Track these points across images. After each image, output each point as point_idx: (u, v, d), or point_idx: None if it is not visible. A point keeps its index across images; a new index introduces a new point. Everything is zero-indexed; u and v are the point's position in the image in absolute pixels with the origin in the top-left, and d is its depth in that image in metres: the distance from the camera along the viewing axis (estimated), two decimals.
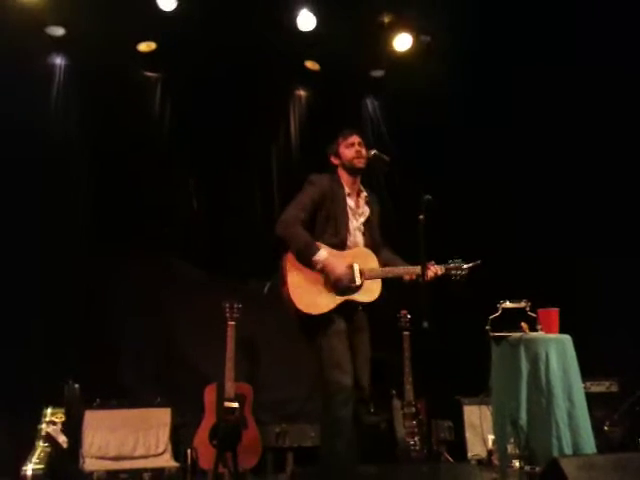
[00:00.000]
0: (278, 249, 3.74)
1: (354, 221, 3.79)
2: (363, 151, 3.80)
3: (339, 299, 3.60)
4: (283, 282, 3.62)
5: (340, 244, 3.71)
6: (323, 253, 3.58)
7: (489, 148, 5.71)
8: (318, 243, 3.65)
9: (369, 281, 3.66)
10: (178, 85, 5.95)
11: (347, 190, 3.81)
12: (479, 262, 3.78)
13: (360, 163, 3.79)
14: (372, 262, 3.72)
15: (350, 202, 3.81)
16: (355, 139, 3.82)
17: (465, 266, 3.75)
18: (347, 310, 3.67)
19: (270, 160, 6.17)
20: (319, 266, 3.56)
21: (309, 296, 3.57)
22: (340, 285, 3.59)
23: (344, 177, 3.84)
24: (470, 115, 5.85)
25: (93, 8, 5.26)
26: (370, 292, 3.67)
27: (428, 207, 3.47)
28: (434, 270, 3.68)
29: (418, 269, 3.62)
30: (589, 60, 5.15)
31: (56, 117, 5.56)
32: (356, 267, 3.65)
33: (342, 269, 3.60)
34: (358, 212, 3.82)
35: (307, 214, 3.70)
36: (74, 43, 5.58)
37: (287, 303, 3.61)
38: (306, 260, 3.58)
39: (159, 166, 5.77)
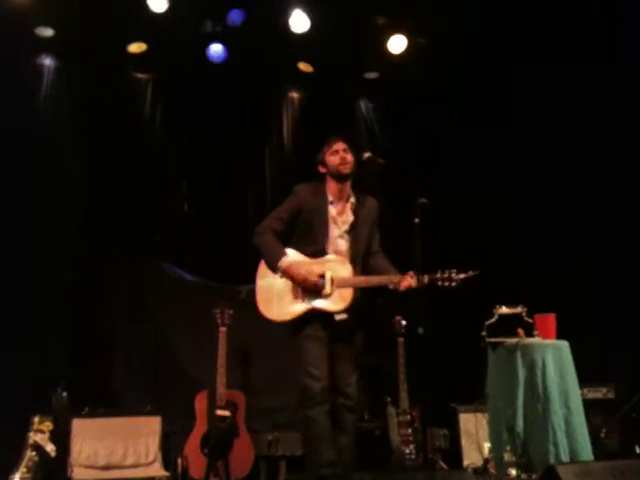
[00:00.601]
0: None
1: (335, 229, 3.79)
2: (348, 157, 3.78)
3: (304, 308, 3.63)
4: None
5: (319, 252, 3.72)
6: (287, 259, 3.63)
7: (485, 151, 5.68)
8: (288, 250, 3.69)
9: (341, 289, 3.64)
10: (169, 86, 5.91)
11: (331, 198, 3.81)
12: (471, 274, 3.67)
13: (346, 169, 3.77)
14: (345, 271, 3.68)
15: (332, 210, 3.80)
16: (339, 146, 3.80)
17: (455, 276, 3.65)
18: (323, 319, 3.67)
19: (263, 162, 6.14)
20: (281, 271, 3.61)
21: (274, 302, 3.65)
22: (307, 287, 3.60)
23: (331, 185, 3.83)
24: (465, 117, 5.83)
25: (83, 9, 5.21)
26: (341, 301, 3.64)
27: (423, 211, 3.44)
28: (409, 282, 3.60)
29: (395, 278, 3.63)
30: (587, 60, 5.12)
31: (46, 118, 5.49)
32: (327, 275, 3.64)
33: (305, 270, 3.62)
34: (341, 220, 3.81)
35: (283, 224, 3.75)
36: (64, 44, 5.54)
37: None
38: (272, 267, 3.65)
39: (150, 168, 5.73)
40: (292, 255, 3.69)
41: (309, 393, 3.56)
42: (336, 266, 3.68)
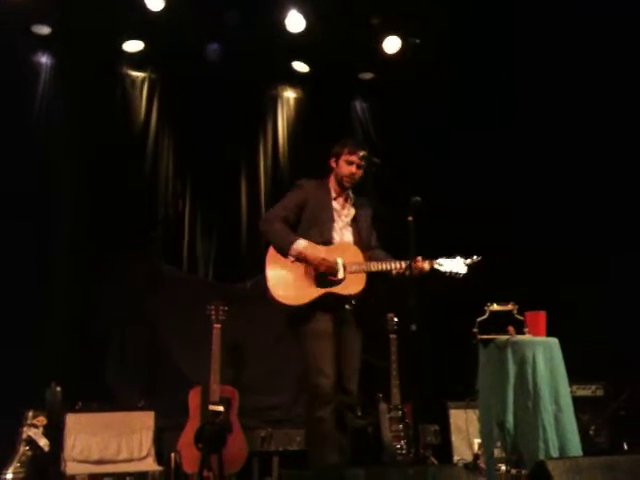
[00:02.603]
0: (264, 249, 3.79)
1: (339, 221, 3.86)
2: (358, 173, 3.84)
3: (320, 291, 3.63)
4: (264, 277, 3.67)
5: (326, 244, 3.76)
6: (302, 242, 3.65)
7: (480, 150, 5.71)
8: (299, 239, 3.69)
9: (353, 275, 3.68)
10: (165, 85, 5.93)
11: (333, 194, 3.89)
12: (478, 258, 3.76)
13: (348, 183, 3.87)
14: (356, 257, 3.74)
15: (336, 205, 3.88)
16: (356, 158, 3.82)
17: (463, 261, 3.74)
18: (333, 308, 3.69)
19: (258, 161, 6.16)
20: (297, 255, 3.61)
21: (288, 288, 3.62)
22: (322, 268, 3.61)
23: (333, 183, 3.92)
24: (461, 117, 5.86)
25: (80, 6, 5.23)
26: (354, 285, 3.68)
27: (417, 209, 3.48)
28: (421, 265, 3.66)
29: (404, 263, 3.65)
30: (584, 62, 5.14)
31: (42, 116, 5.50)
32: (339, 261, 3.68)
33: (322, 254, 3.64)
34: (343, 213, 3.88)
35: (291, 214, 3.78)
36: (60, 42, 5.55)
37: (270, 298, 3.64)
38: (284, 251, 3.64)
39: (146, 166, 5.75)
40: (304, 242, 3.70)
41: (320, 391, 3.52)
42: (347, 253, 3.73)
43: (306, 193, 3.84)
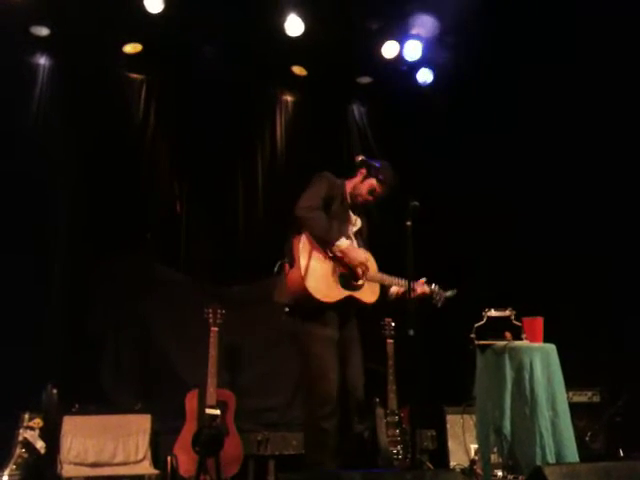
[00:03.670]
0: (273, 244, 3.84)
1: (349, 229, 3.86)
2: (370, 203, 3.88)
3: (345, 293, 3.63)
4: (293, 263, 3.60)
5: None
6: (345, 241, 3.63)
7: (478, 152, 5.71)
8: None
9: (369, 284, 3.72)
10: (163, 87, 5.93)
11: (349, 200, 3.89)
12: (455, 292, 3.96)
13: (356, 201, 3.86)
14: (372, 265, 3.79)
15: (350, 213, 3.89)
16: (380, 192, 3.83)
17: (444, 294, 3.94)
18: (345, 313, 3.70)
19: (255, 164, 6.16)
20: (337, 250, 3.58)
21: (320, 281, 3.58)
22: (359, 271, 3.64)
23: (349, 189, 3.90)
24: (458, 121, 5.87)
25: (78, 8, 5.22)
26: (372, 294, 3.74)
27: (415, 213, 3.49)
28: (422, 289, 3.81)
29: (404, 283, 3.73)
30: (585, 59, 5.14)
31: (40, 117, 5.49)
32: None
33: (363, 256, 3.67)
34: (351, 221, 3.89)
35: (322, 203, 3.70)
36: (59, 43, 5.54)
37: (292, 287, 3.58)
38: (327, 244, 3.60)
39: (143, 169, 5.74)
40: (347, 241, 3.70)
41: (327, 400, 3.49)
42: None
43: (333, 188, 3.79)
